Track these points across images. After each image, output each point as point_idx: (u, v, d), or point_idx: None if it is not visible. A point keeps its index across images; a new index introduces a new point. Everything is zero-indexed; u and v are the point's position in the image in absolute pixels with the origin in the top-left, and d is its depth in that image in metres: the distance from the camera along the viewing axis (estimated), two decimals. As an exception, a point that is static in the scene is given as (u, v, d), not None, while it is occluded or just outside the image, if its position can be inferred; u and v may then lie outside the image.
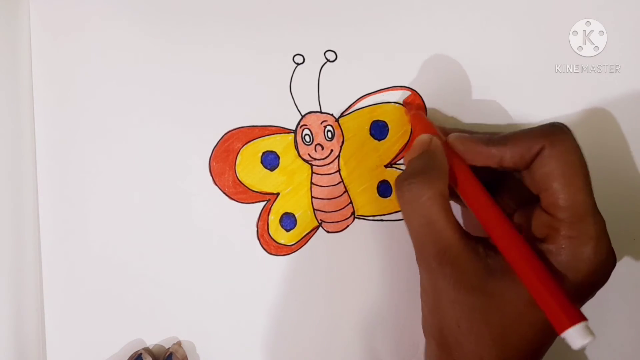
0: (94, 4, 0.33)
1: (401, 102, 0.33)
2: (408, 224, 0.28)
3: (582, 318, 0.24)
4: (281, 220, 0.33)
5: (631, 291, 0.34)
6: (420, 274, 0.29)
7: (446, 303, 0.27)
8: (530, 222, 0.28)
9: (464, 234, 0.27)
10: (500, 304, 0.27)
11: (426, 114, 0.33)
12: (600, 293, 0.34)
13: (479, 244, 0.28)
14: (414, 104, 0.33)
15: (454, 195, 0.29)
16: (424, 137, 0.30)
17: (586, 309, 0.33)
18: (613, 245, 0.33)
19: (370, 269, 0.33)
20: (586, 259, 0.26)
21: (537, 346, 0.27)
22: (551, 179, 0.27)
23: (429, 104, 0.33)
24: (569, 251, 0.26)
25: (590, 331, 0.24)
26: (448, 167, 0.29)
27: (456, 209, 0.33)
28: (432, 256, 0.27)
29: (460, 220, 0.33)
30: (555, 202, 0.26)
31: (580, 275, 0.26)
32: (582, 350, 0.34)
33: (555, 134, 0.27)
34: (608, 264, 0.27)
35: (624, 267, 0.34)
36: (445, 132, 0.31)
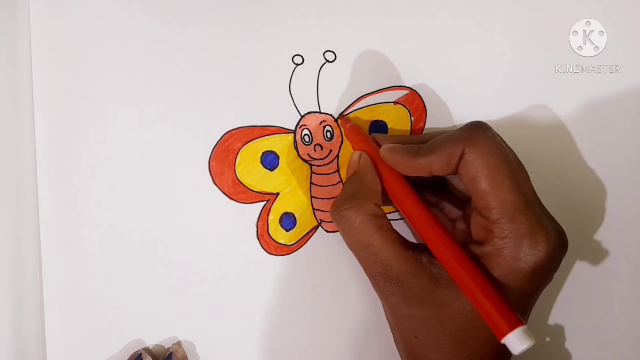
0: (94, 4, 0.33)
1: (400, 102, 0.33)
2: (350, 249, 0.29)
3: (520, 323, 0.24)
4: (281, 220, 0.33)
5: (631, 291, 0.34)
6: (376, 292, 0.29)
7: (401, 318, 0.28)
8: (469, 226, 0.28)
9: (406, 248, 0.27)
10: (451, 312, 0.27)
11: (425, 114, 0.33)
12: (600, 293, 0.34)
13: (422, 254, 0.28)
14: (349, 117, 0.33)
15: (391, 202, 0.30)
16: (354, 156, 0.30)
17: (586, 308, 0.34)
18: (615, 245, 0.33)
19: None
20: (523, 257, 0.26)
21: (496, 346, 0.27)
22: (477, 182, 0.26)
23: (428, 104, 0.33)
24: (506, 252, 0.26)
25: (529, 335, 0.24)
26: (379, 184, 0.29)
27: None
28: (377, 276, 0.28)
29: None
30: (485, 204, 0.26)
31: (521, 274, 0.26)
32: (582, 351, 0.34)
33: (474, 136, 0.27)
34: (553, 255, 0.27)
35: (624, 267, 0.34)
36: (380, 141, 0.30)
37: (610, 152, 0.34)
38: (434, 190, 0.31)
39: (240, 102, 0.33)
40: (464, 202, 0.30)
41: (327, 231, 0.33)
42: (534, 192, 0.27)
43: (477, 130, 0.27)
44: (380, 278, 0.28)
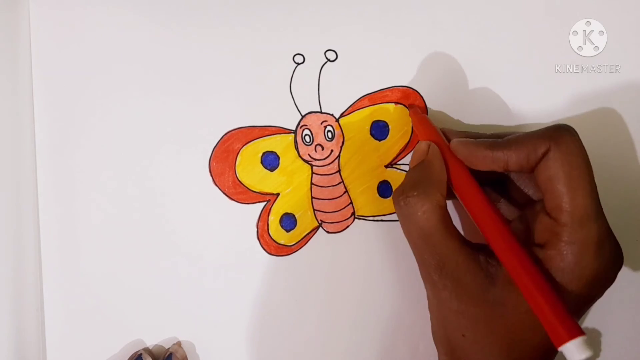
0: (94, 4, 0.32)
1: (401, 102, 0.33)
2: (407, 238, 0.28)
3: (580, 332, 0.24)
4: (281, 220, 0.33)
5: (631, 291, 0.34)
6: (425, 286, 0.29)
7: (450, 314, 0.27)
8: (531, 226, 0.28)
9: (464, 244, 0.27)
10: (503, 313, 0.27)
11: (427, 114, 0.33)
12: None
13: (479, 252, 0.28)
14: (419, 107, 0.33)
15: (454, 195, 0.29)
16: (422, 145, 0.30)
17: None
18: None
19: (370, 269, 0.33)
20: (588, 265, 0.26)
21: (544, 351, 0.27)
22: (555, 182, 0.26)
23: (429, 104, 0.33)
24: (570, 258, 0.26)
25: (588, 346, 0.24)
26: (446, 176, 0.29)
27: (459, 213, 0.33)
28: (432, 269, 0.27)
29: (461, 225, 0.33)
30: (559, 205, 0.26)
31: (582, 282, 0.26)
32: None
33: (561, 135, 0.27)
34: (612, 268, 0.27)
35: (624, 269, 0.34)
36: (449, 135, 0.31)
37: (610, 152, 0.34)
38: (491, 190, 0.31)
39: (241, 102, 0.33)
40: (521, 203, 0.30)
41: (328, 232, 0.33)
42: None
43: (565, 131, 0.27)
44: (435, 270, 0.27)
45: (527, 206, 0.30)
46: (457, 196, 0.29)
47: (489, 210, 0.27)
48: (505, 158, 0.27)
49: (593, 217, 0.26)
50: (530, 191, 0.30)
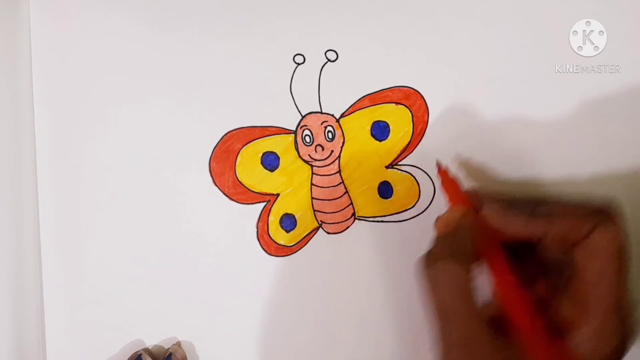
0: (94, 5, 0.32)
1: (402, 103, 0.33)
2: (436, 306, 0.27)
3: None
4: (281, 221, 0.33)
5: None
6: (437, 353, 0.27)
7: None
8: (553, 301, 0.27)
9: (483, 322, 0.26)
10: None
11: (427, 115, 0.33)
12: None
13: (497, 333, 0.26)
14: (448, 172, 0.32)
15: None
16: (456, 213, 0.29)
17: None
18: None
19: (370, 270, 0.33)
20: (608, 353, 0.25)
21: None
22: (589, 268, 0.25)
23: (429, 104, 0.33)
24: (590, 345, 0.25)
25: None
26: (476, 246, 0.28)
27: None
28: (454, 341, 0.26)
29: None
30: (586, 292, 0.25)
31: None
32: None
33: (608, 219, 0.26)
34: (628, 348, 0.26)
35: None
36: (480, 196, 0.30)
37: (611, 152, 0.34)
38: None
39: (241, 102, 0.33)
40: (540, 268, 0.29)
41: (328, 233, 0.33)
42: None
43: (613, 215, 0.26)
44: (455, 345, 0.26)
45: (548, 272, 0.29)
46: (483, 264, 0.28)
47: (517, 290, 0.27)
48: (544, 230, 0.27)
49: (623, 306, 0.25)
50: (551, 257, 0.29)
